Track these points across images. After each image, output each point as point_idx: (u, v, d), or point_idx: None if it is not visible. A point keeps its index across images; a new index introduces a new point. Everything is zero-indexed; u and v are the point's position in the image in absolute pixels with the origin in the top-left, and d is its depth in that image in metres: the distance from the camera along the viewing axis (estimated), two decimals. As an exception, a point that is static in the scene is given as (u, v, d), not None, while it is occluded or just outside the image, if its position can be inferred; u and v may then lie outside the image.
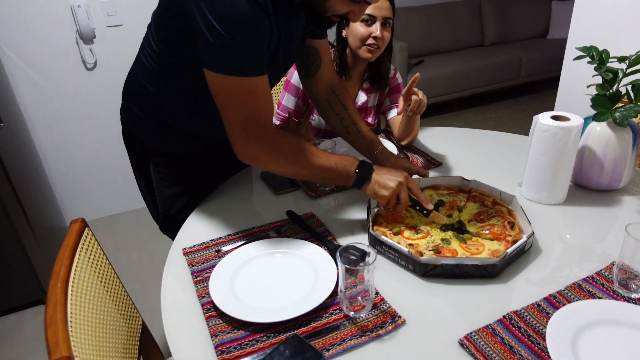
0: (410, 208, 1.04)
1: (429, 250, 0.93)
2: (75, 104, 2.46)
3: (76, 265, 0.84)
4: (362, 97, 1.58)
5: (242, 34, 0.86)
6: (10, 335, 1.94)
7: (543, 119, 1.08)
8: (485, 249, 0.93)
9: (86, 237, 0.93)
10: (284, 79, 1.55)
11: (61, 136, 2.50)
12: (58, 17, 2.26)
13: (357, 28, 1.41)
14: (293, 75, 1.52)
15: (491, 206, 1.07)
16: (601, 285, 0.86)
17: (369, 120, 1.61)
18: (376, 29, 1.39)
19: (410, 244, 0.95)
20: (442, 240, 0.97)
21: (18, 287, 2.01)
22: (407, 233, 0.99)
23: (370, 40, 1.40)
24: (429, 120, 3.95)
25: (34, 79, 2.33)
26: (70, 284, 0.78)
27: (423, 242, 0.97)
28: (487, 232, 0.98)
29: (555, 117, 1.09)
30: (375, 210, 1.08)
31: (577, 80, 1.50)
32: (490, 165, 1.34)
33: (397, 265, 0.94)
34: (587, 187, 1.18)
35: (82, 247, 0.89)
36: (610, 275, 0.88)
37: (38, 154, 2.44)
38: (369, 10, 1.37)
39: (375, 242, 0.97)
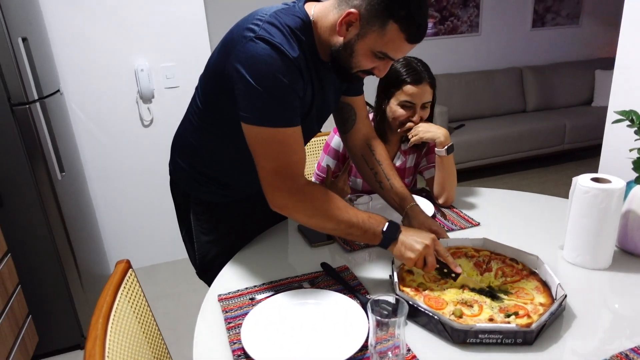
0: (437, 271, 1.03)
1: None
2: (130, 157, 2.64)
3: (117, 304, 0.88)
4: (400, 159, 1.61)
5: (275, 88, 0.93)
6: (47, 378, 1.98)
7: (583, 181, 1.06)
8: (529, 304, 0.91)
9: (129, 277, 0.97)
10: (324, 137, 1.62)
11: (114, 187, 2.66)
12: (122, 79, 2.50)
13: (397, 109, 1.45)
14: (333, 139, 1.58)
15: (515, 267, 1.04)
16: (651, 356, 0.81)
17: (406, 180, 1.64)
18: (415, 114, 1.44)
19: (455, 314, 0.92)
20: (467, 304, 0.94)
21: (60, 330, 2.07)
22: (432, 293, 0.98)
23: (408, 123, 1.45)
24: (471, 182, 3.92)
25: (95, 133, 2.54)
26: (111, 321, 0.82)
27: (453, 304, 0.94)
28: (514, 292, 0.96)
29: (596, 180, 1.07)
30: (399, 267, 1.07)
31: (620, 145, 1.49)
32: (531, 227, 1.31)
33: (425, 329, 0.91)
34: (635, 253, 1.13)
35: (124, 287, 0.94)
36: (661, 346, 0.82)
37: (92, 203, 2.60)
38: (409, 98, 1.42)
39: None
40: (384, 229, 1.03)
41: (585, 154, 4.38)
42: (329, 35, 1.00)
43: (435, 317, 0.87)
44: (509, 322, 0.87)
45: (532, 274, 1.02)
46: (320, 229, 1.06)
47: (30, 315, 1.92)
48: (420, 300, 0.94)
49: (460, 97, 4.17)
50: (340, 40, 0.98)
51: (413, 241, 1.00)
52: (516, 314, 0.90)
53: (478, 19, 4.36)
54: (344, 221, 1.02)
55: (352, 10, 0.93)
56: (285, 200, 1.02)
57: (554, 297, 0.93)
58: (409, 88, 1.42)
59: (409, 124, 1.41)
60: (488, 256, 1.10)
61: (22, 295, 1.86)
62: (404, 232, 1.03)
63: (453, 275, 1.01)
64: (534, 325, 0.83)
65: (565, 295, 0.90)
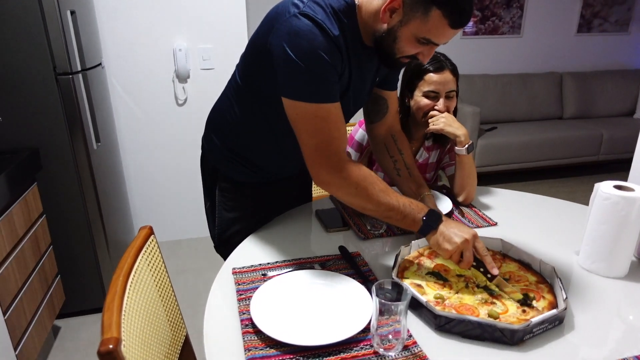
0: (474, 269, 1.02)
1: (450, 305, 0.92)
2: (163, 134, 2.73)
3: (138, 265, 0.93)
4: (423, 155, 1.61)
5: (316, 64, 0.96)
6: (71, 336, 2.09)
7: (605, 187, 1.05)
8: (509, 312, 0.91)
9: (151, 242, 1.03)
10: (349, 128, 1.63)
11: (146, 161, 2.76)
12: (161, 58, 2.58)
13: (421, 99, 1.45)
14: (357, 132, 1.60)
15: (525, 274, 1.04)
16: (654, 366, 0.80)
17: (427, 176, 1.64)
18: (440, 103, 1.44)
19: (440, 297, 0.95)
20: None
21: (85, 292, 2.19)
22: (432, 284, 0.99)
23: (432, 111, 1.44)
24: (498, 186, 3.85)
25: (131, 107, 2.63)
26: (130, 279, 0.87)
27: (453, 296, 0.96)
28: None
29: (619, 187, 1.06)
30: (407, 255, 1.09)
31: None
32: (549, 230, 1.30)
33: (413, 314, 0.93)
34: (653, 265, 1.11)
35: (145, 251, 0.99)
36: (666, 358, 0.81)
37: (124, 175, 2.70)
38: (432, 86, 1.42)
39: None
40: (425, 217, 1.03)
41: (621, 167, 4.23)
42: (373, 21, 1.01)
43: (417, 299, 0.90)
44: (535, 308, 0.90)
45: (544, 282, 1.01)
46: (360, 209, 1.07)
47: (60, 275, 2.03)
48: (452, 311, 0.91)
49: (495, 99, 4.09)
50: (384, 26, 0.99)
51: (453, 234, 1.00)
52: (533, 298, 0.94)
53: (521, 20, 4.25)
54: (384, 203, 1.03)
55: None
56: (329, 177, 1.04)
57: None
58: (431, 76, 1.42)
59: (432, 112, 1.41)
60: (500, 259, 1.10)
61: (52, 256, 1.96)
62: (444, 223, 1.03)
63: (489, 276, 0.99)
64: (520, 326, 0.83)
65: (565, 308, 0.89)
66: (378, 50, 1.04)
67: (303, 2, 0.98)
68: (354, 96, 1.15)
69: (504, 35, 4.27)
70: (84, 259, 2.13)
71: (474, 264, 1.00)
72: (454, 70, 1.45)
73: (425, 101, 1.45)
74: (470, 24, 4.14)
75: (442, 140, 1.58)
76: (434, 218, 1.03)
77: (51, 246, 1.96)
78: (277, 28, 0.98)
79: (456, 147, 1.42)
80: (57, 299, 1.98)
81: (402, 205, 1.03)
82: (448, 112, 1.46)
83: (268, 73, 1.03)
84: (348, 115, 1.22)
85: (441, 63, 1.42)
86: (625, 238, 1.04)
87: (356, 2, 1.02)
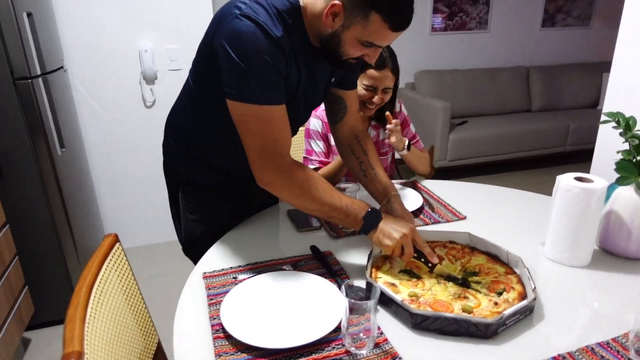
0: (415, 260, 1.06)
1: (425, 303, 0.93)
2: (131, 137, 2.67)
3: (103, 274, 0.91)
4: (371, 133, 1.71)
5: (258, 65, 0.96)
6: (42, 348, 2.03)
7: (565, 180, 1.08)
8: (482, 306, 0.92)
9: (116, 250, 1.00)
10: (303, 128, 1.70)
11: (114, 165, 2.70)
12: (126, 59, 2.52)
13: (360, 89, 1.53)
14: (310, 122, 1.68)
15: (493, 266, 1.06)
16: (616, 351, 0.83)
17: (382, 151, 1.72)
18: (376, 96, 1.54)
19: (413, 295, 0.96)
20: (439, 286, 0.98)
21: (55, 302, 2.12)
22: (406, 282, 1.01)
23: (368, 103, 1.56)
24: (470, 179, 3.91)
25: (97, 111, 2.57)
26: (95, 289, 0.85)
27: (427, 293, 0.97)
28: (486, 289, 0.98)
29: (579, 179, 1.09)
30: (379, 254, 1.10)
31: (611, 146, 1.49)
32: (516, 222, 1.33)
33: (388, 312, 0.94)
34: (615, 253, 1.14)
35: (110, 259, 0.97)
36: (626, 342, 0.84)
37: (92, 179, 2.63)
38: (371, 81, 1.52)
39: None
40: (364, 216, 1.05)
41: (587, 157, 4.33)
42: (317, 23, 1.02)
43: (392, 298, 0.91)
44: (507, 301, 0.93)
45: (513, 273, 1.03)
46: (304, 209, 1.09)
47: (27, 286, 1.96)
48: (427, 308, 0.92)
49: (465, 94, 4.16)
50: (328, 30, 1.00)
51: (392, 229, 1.03)
52: (504, 290, 0.96)
53: (487, 16, 4.33)
54: (327, 204, 1.04)
55: (336, 2, 0.94)
56: (272, 178, 1.05)
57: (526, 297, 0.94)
58: (371, 72, 1.51)
59: (389, 126, 1.54)
60: (469, 252, 1.12)
61: (19, 266, 1.90)
62: (384, 220, 1.06)
63: (430, 265, 1.04)
64: (494, 319, 0.85)
65: (535, 298, 0.91)
66: (325, 52, 1.05)
67: (245, 3, 0.97)
68: (304, 96, 1.15)
69: (472, 30, 4.34)
70: (52, 269, 2.07)
71: (415, 255, 1.04)
72: (394, 69, 1.53)
73: (363, 92, 1.55)
74: (439, 19, 4.20)
75: (382, 119, 1.67)
76: (373, 217, 1.05)
77: (16, 256, 1.89)
78: (220, 29, 0.98)
79: (399, 153, 1.62)
80: (26, 310, 1.92)
81: (344, 206, 1.05)
82: (383, 101, 1.57)
83: (217, 75, 1.02)
84: (300, 117, 1.22)
85: (383, 60, 1.50)
86: (586, 228, 1.07)
87: (301, 4, 1.02)
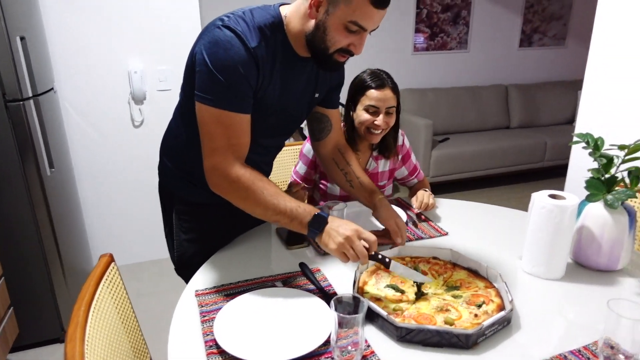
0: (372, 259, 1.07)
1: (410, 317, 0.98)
2: (120, 157, 2.69)
3: (99, 294, 0.94)
4: (372, 165, 1.71)
5: (228, 74, 1.02)
6: (26, 370, 2.01)
7: (539, 197, 1.15)
8: (462, 318, 0.97)
9: (111, 270, 1.03)
10: (298, 147, 1.72)
11: (102, 185, 2.71)
12: (116, 80, 2.55)
13: (362, 113, 1.55)
14: (305, 146, 1.69)
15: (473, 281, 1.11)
16: (586, 358, 0.88)
17: (380, 184, 1.73)
18: (379, 119, 1.54)
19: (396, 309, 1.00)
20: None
21: (41, 323, 2.11)
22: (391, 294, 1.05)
23: (373, 127, 1.55)
24: (453, 195, 4.01)
25: (86, 131, 2.59)
26: (92, 308, 0.88)
27: (411, 307, 1.01)
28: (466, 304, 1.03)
29: (553, 196, 1.16)
30: (365, 270, 1.14)
31: (584, 164, 1.58)
32: (496, 238, 1.39)
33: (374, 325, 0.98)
34: (587, 266, 1.21)
35: (106, 279, 1.00)
36: (596, 349, 0.90)
37: (80, 200, 2.64)
38: (373, 102, 1.52)
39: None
40: (310, 221, 1.05)
41: (564, 172, 4.46)
42: (302, 25, 1.07)
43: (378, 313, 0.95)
44: (486, 312, 0.97)
45: (492, 286, 1.09)
46: (251, 213, 1.10)
47: (12, 307, 1.95)
48: (411, 322, 0.96)
49: (447, 112, 4.28)
50: (312, 22, 1.04)
51: (335, 233, 1.02)
52: (484, 302, 1.01)
53: (467, 36, 4.48)
54: (272, 207, 1.05)
55: None
56: (220, 180, 1.08)
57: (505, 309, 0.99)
58: (372, 92, 1.52)
59: (418, 195, 1.54)
60: (451, 268, 1.17)
61: (4, 287, 1.89)
62: (330, 224, 1.05)
63: (388, 260, 1.07)
64: (473, 330, 0.90)
65: (512, 309, 0.97)
66: (311, 50, 1.09)
67: (229, 17, 1.05)
68: (282, 108, 1.18)
69: (453, 50, 4.49)
70: (39, 290, 2.06)
71: (369, 255, 1.04)
72: (394, 88, 1.55)
73: (365, 116, 1.55)
74: (421, 39, 4.33)
75: (386, 150, 1.68)
76: (318, 221, 1.05)
77: (2, 277, 1.89)
78: (202, 38, 1.06)
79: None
80: (10, 332, 1.91)
81: (289, 210, 1.05)
82: (388, 125, 1.56)
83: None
84: (279, 129, 1.26)
85: (382, 80, 1.53)
86: (560, 243, 1.14)
87: (283, 18, 1.09)
